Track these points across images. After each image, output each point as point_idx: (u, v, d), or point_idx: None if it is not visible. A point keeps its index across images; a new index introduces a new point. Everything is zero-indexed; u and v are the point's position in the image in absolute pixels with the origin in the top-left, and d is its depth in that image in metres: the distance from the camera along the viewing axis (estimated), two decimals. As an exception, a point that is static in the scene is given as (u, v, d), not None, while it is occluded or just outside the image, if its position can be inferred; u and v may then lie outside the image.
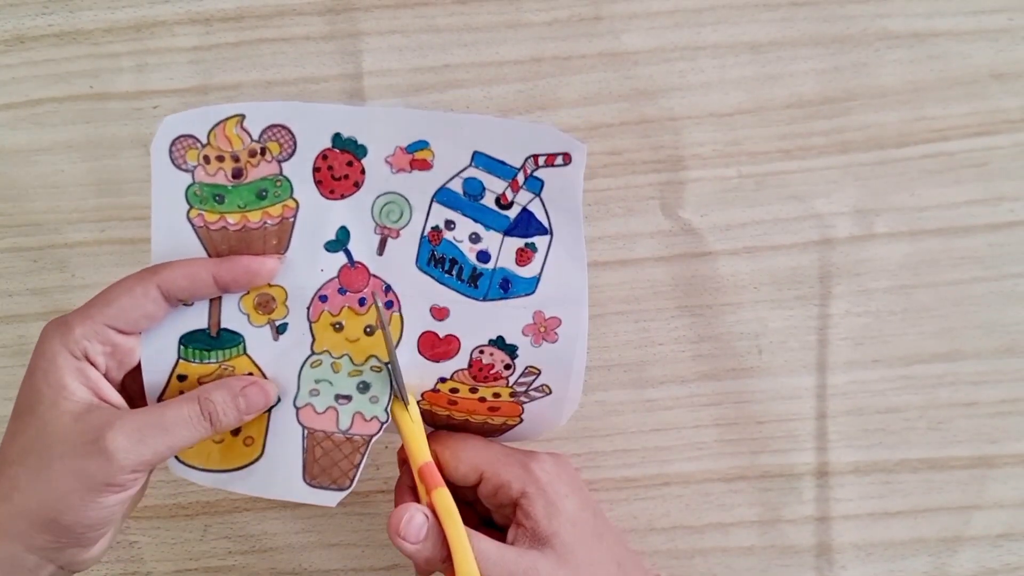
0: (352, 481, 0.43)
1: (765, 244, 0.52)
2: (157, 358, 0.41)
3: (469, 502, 0.45)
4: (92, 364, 0.40)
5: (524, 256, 0.42)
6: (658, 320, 0.52)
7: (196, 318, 0.41)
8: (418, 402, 0.44)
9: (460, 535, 0.40)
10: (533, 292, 0.43)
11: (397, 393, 0.43)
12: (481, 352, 0.43)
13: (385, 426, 0.43)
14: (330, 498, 0.43)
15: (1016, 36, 0.52)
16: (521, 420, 0.45)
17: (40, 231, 0.53)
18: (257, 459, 0.43)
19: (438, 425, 0.46)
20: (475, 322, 0.43)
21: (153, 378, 0.42)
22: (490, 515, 0.46)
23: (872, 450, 0.52)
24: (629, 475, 0.52)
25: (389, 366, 0.42)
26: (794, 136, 0.52)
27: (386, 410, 0.42)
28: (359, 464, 0.43)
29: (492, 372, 0.43)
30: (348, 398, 0.43)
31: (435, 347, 0.43)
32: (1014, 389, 0.52)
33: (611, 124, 0.53)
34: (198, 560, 0.53)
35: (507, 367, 0.43)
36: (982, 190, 0.52)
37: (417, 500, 0.42)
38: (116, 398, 0.41)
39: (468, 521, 0.42)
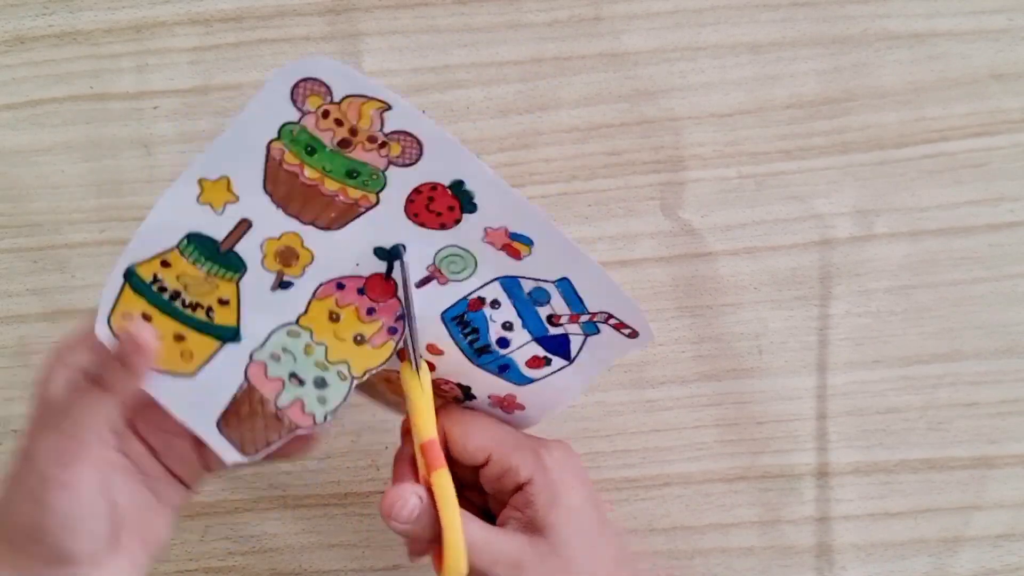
0: (256, 453, 0.41)
1: (765, 244, 0.52)
2: (156, 234, 0.39)
3: (465, 485, 0.44)
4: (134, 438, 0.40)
5: (537, 362, 0.43)
6: (658, 320, 0.52)
7: (215, 225, 0.39)
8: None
9: (454, 521, 0.39)
10: (521, 384, 0.43)
11: (409, 357, 0.41)
12: (446, 383, 0.44)
13: (317, 429, 0.42)
14: (229, 453, 0.41)
15: (1016, 36, 0.52)
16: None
17: (40, 231, 0.53)
18: (185, 375, 0.41)
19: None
20: (456, 371, 0.43)
21: (140, 247, 0.39)
22: (486, 501, 0.45)
23: (872, 450, 0.52)
24: (629, 475, 0.52)
25: (406, 322, 0.41)
26: (794, 136, 0.52)
27: (326, 416, 0.41)
28: (271, 444, 0.41)
29: (444, 390, 0.44)
30: (301, 382, 0.41)
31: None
32: (1014, 389, 0.52)
33: (611, 124, 0.53)
34: (198, 561, 0.53)
35: (461, 398, 0.44)
36: (982, 190, 0.52)
37: (417, 473, 0.42)
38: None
39: (462, 504, 0.42)
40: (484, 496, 0.45)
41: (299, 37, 0.53)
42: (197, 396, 0.41)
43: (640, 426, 0.52)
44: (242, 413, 0.41)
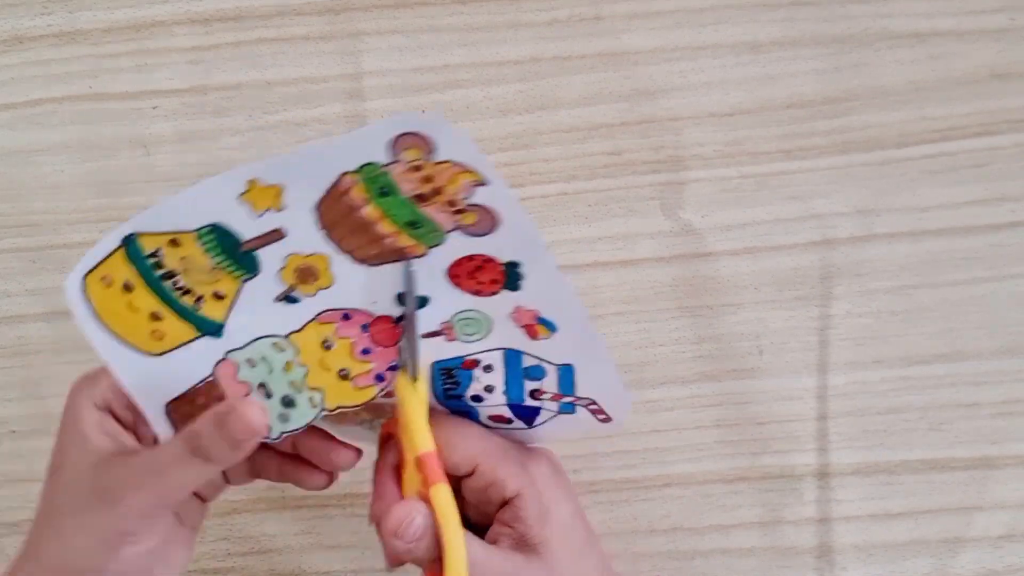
0: None
1: (766, 244, 0.52)
2: (177, 212, 0.38)
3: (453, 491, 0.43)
4: (115, 417, 0.40)
5: (498, 419, 0.43)
6: (658, 321, 0.52)
7: (247, 225, 0.37)
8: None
9: (458, 540, 0.38)
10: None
11: (408, 367, 0.40)
12: None
13: (267, 441, 0.41)
14: (165, 434, 0.41)
15: (1017, 36, 0.52)
16: None
17: (39, 231, 0.53)
18: (152, 355, 0.39)
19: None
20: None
21: (153, 218, 0.38)
22: (465, 508, 0.43)
23: (873, 451, 0.52)
24: (630, 476, 0.52)
25: (406, 335, 0.40)
26: (795, 136, 0.52)
27: (281, 434, 0.41)
28: None
29: None
30: (269, 395, 0.41)
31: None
32: (1015, 390, 0.52)
33: (611, 124, 0.52)
34: (197, 561, 0.52)
35: None
36: (983, 190, 0.52)
37: (399, 482, 0.41)
38: (138, 446, 0.40)
39: None
40: (463, 503, 0.43)
41: (298, 37, 0.53)
42: (155, 375, 0.40)
43: (640, 426, 0.52)
44: (196, 403, 0.40)
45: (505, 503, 0.41)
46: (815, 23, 0.52)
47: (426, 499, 0.39)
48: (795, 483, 0.52)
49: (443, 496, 0.39)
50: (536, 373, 0.41)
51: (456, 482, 0.42)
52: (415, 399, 0.40)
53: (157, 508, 0.38)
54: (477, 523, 0.42)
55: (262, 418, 0.38)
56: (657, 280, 0.52)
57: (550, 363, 0.41)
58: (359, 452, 0.42)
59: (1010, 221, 0.52)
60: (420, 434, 0.40)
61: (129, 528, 0.37)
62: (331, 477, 0.43)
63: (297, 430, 0.41)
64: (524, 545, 0.40)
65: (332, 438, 0.42)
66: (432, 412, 0.42)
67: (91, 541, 0.37)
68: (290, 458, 0.43)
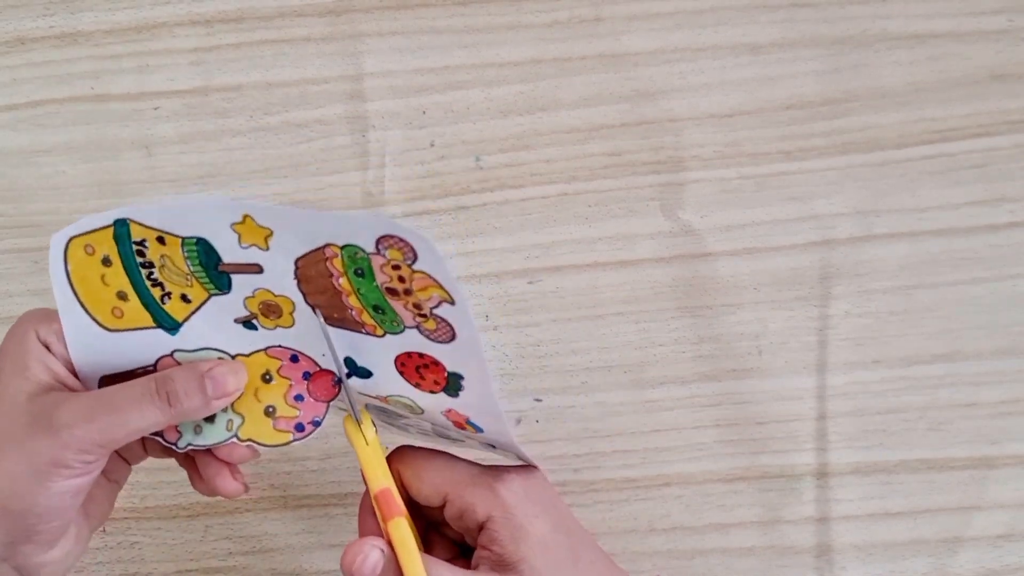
0: None
1: (765, 245, 0.52)
2: (173, 216, 0.38)
3: (440, 522, 0.44)
4: (55, 357, 0.39)
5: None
6: (658, 321, 0.52)
7: (230, 251, 0.38)
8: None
9: (417, 570, 0.38)
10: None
11: (350, 411, 0.41)
12: None
13: (174, 448, 0.42)
14: None
15: (1016, 37, 0.52)
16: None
17: (40, 232, 0.53)
18: (105, 328, 0.40)
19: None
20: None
21: (150, 214, 0.38)
22: (462, 537, 0.44)
23: (872, 451, 0.52)
24: (629, 476, 0.52)
25: (341, 384, 0.41)
26: (794, 137, 0.52)
27: (188, 444, 0.41)
28: None
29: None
30: None
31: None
32: (1014, 390, 0.52)
33: (611, 125, 0.53)
34: (198, 561, 0.53)
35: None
36: (982, 191, 0.52)
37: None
38: (77, 385, 0.40)
39: (435, 545, 0.42)
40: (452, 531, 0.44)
41: (299, 38, 0.53)
42: (101, 347, 0.40)
43: (640, 426, 0.52)
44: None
45: (482, 527, 0.41)
46: (814, 24, 0.52)
47: (388, 536, 0.40)
48: (794, 483, 0.52)
49: (400, 530, 0.39)
50: (460, 437, 0.43)
51: (439, 512, 0.43)
52: (362, 441, 0.41)
53: (99, 445, 0.37)
54: (473, 545, 0.43)
55: (237, 383, 0.40)
56: (657, 280, 0.52)
57: (472, 439, 0.43)
58: (245, 487, 0.42)
59: (1009, 222, 0.52)
60: (373, 473, 0.41)
61: (65, 460, 0.37)
62: (215, 492, 0.43)
63: (204, 447, 0.42)
64: (503, 566, 0.40)
65: (227, 463, 0.42)
66: (400, 449, 0.43)
67: (23, 467, 0.37)
68: (189, 457, 0.43)
